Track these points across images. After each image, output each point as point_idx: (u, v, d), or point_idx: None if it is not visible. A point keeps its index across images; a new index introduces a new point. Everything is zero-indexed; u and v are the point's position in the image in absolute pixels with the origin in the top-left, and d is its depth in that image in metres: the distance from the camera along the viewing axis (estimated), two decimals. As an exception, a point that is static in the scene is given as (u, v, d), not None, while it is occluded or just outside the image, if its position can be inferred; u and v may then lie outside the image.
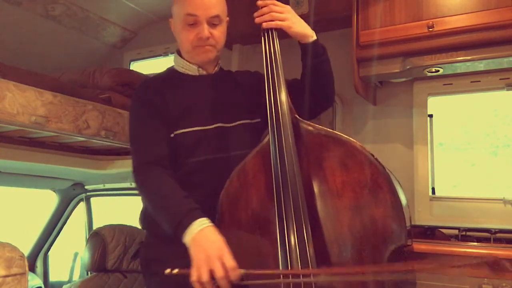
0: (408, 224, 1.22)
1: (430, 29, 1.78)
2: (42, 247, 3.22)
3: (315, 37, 1.43)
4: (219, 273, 1.12)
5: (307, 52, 1.43)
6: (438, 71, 1.95)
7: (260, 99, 1.36)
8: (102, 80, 2.35)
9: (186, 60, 1.49)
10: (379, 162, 1.19)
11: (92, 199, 3.22)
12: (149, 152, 1.38)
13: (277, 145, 1.26)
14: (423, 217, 2.08)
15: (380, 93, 2.29)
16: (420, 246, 1.44)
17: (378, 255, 1.15)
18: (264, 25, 1.40)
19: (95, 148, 2.42)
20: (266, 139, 1.31)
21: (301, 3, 2.20)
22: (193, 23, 1.40)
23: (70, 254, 3.26)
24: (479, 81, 2.06)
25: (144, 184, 1.36)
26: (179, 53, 1.52)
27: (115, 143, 2.23)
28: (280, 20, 1.39)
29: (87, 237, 2.50)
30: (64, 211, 3.21)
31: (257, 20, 1.42)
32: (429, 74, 1.99)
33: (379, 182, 1.17)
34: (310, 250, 1.15)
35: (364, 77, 2.04)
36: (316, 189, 1.23)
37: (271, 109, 1.31)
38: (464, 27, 1.74)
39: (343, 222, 1.18)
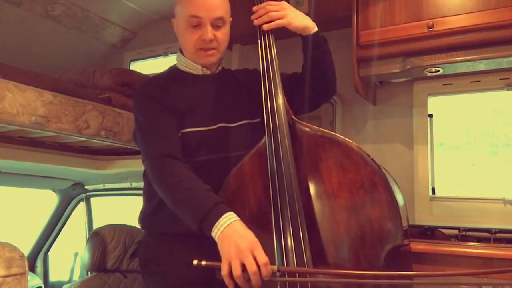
0: (405, 224, 1.22)
1: (430, 29, 1.78)
2: (42, 247, 3.22)
3: (316, 29, 1.42)
4: (252, 267, 1.07)
5: (308, 43, 1.42)
6: (438, 71, 1.95)
7: (259, 99, 1.36)
8: (102, 80, 2.35)
9: (190, 59, 1.48)
10: (375, 162, 1.19)
11: (92, 199, 3.21)
12: (166, 145, 1.34)
13: (273, 147, 1.26)
14: (423, 217, 2.08)
15: (380, 93, 2.28)
16: (420, 246, 1.43)
17: (374, 255, 1.15)
18: (265, 27, 1.40)
19: (95, 148, 2.42)
20: (262, 141, 1.31)
21: (301, 3, 2.20)
22: (197, 25, 1.37)
23: (70, 254, 3.26)
24: (479, 81, 2.06)
25: (163, 176, 1.30)
26: (182, 52, 1.50)
27: (115, 143, 2.23)
28: (279, 19, 1.38)
29: (87, 237, 2.50)
30: (64, 211, 3.21)
31: (255, 22, 1.41)
32: (429, 74, 1.99)
33: (375, 182, 1.17)
34: (306, 252, 1.15)
35: (364, 77, 2.04)
36: (312, 189, 1.23)
37: (267, 112, 1.31)
38: (464, 27, 1.74)
39: (339, 222, 1.19)
